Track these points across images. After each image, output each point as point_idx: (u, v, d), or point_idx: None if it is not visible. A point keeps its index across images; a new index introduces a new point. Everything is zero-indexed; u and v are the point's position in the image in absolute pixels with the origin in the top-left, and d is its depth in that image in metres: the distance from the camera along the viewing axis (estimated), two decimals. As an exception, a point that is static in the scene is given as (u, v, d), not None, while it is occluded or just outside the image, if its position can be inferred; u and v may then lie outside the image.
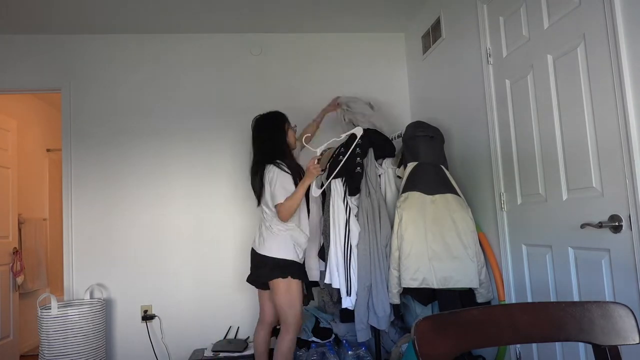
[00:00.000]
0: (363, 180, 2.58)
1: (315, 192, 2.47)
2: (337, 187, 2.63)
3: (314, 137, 2.96)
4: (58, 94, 3.42)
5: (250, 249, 2.58)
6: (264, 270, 2.42)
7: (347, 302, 2.50)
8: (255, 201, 2.59)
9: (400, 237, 2.39)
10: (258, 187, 2.49)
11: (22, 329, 4.17)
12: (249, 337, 3.26)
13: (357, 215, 2.58)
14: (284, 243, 2.41)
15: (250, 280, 2.56)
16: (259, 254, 2.44)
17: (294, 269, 2.41)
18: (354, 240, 2.53)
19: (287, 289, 2.37)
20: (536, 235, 2.15)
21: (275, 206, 2.39)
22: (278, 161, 2.44)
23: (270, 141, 2.51)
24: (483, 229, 2.59)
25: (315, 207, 2.86)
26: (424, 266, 2.34)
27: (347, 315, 2.68)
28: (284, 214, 2.37)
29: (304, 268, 2.53)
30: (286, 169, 2.44)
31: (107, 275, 3.27)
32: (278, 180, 2.40)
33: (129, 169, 3.36)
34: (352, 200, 2.59)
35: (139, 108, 3.41)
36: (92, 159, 3.33)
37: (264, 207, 2.49)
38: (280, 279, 2.37)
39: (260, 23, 3.40)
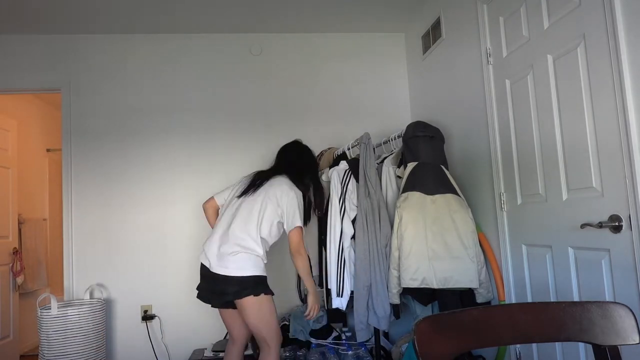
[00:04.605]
0: (362, 181, 2.57)
1: None
2: (336, 185, 2.61)
3: None
4: (58, 94, 3.42)
5: None
6: (231, 289, 2.17)
7: (337, 303, 2.49)
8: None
9: (400, 237, 2.39)
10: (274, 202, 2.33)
11: (22, 329, 4.18)
12: (249, 337, 3.26)
13: (356, 216, 2.58)
14: (259, 260, 2.24)
15: (211, 300, 2.28)
16: (223, 275, 2.18)
17: (265, 285, 2.23)
18: (345, 242, 2.53)
19: (259, 306, 2.18)
20: (536, 235, 2.15)
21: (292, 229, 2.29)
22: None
23: (306, 166, 2.55)
24: (483, 229, 2.59)
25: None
26: (424, 266, 2.33)
27: (336, 315, 2.69)
28: (300, 244, 2.28)
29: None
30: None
31: (107, 275, 3.27)
32: (300, 205, 2.36)
33: (129, 169, 3.36)
34: (354, 201, 2.59)
35: (139, 108, 3.41)
36: (92, 159, 3.33)
37: (264, 224, 2.29)
38: (252, 297, 2.16)
39: (260, 23, 3.40)
